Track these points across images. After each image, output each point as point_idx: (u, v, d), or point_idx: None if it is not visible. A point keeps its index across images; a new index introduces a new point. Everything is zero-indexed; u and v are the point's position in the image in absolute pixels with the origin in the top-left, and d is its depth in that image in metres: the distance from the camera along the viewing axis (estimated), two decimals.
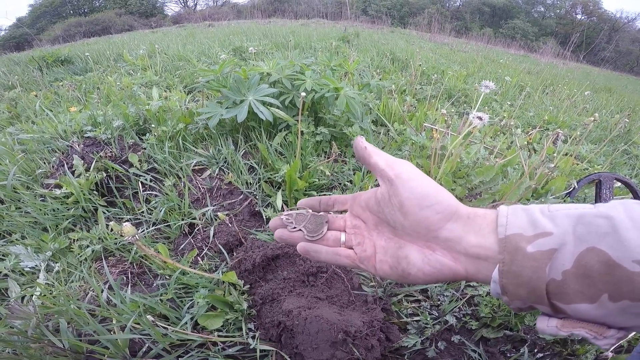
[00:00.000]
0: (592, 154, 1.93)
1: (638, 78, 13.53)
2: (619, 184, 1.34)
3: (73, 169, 1.30)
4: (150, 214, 1.21)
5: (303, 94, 1.23)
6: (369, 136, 1.62)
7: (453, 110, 2.46)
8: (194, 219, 1.17)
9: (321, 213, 0.46)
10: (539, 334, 0.80)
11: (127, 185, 1.35)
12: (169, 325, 0.79)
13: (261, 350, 0.78)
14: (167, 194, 1.24)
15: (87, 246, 1.06)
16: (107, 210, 1.23)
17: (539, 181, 1.21)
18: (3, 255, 1.02)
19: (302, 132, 1.43)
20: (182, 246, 1.10)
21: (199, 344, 0.79)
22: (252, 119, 1.49)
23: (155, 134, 1.50)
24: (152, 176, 1.36)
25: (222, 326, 0.83)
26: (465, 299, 0.90)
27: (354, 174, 1.35)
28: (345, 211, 0.46)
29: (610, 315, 0.27)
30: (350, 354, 0.72)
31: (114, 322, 0.79)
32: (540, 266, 0.29)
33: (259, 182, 1.31)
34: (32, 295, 0.87)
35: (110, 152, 1.44)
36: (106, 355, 0.73)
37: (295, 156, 1.37)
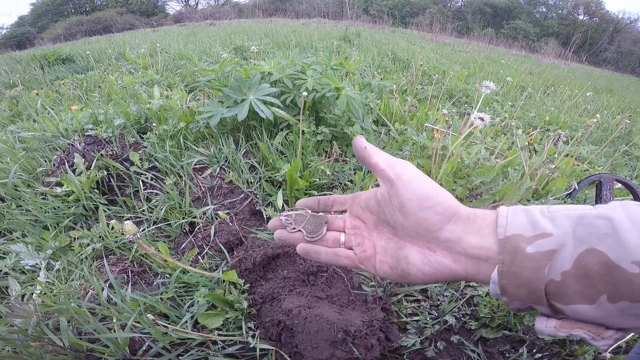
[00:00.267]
0: (593, 155, 1.93)
1: (639, 79, 13.50)
2: (619, 185, 1.34)
3: (74, 167, 1.30)
4: (151, 213, 1.22)
5: (304, 93, 1.23)
6: (370, 136, 1.62)
7: (454, 110, 2.46)
8: (195, 217, 1.17)
9: (320, 213, 0.46)
10: (537, 334, 0.80)
11: (128, 183, 1.36)
12: (169, 324, 0.79)
13: (261, 349, 0.78)
14: (168, 192, 1.24)
15: (88, 244, 1.07)
16: (108, 209, 1.23)
17: (539, 182, 1.21)
18: (3, 254, 1.02)
19: (303, 131, 1.43)
20: (182, 245, 1.11)
21: (199, 342, 0.79)
22: (253, 118, 1.49)
23: (157, 132, 1.51)
24: (153, 175, 1.36)
25: (222, 325, 0.83)
26: (464, 299, 0.90)
27: (355, 174, 1.35)
28: (345, 211, 0.46)
29: (608, 316, 0.27)
30: (349, 353, 0.72)
31: (114, 320, 0.79)
32: (539, 267, 0.29)
33: (259, 181, 1.31)
34: (32, 294, 0.87)
35: (111, 150, 1.44)
36: (106, 354, 0.73)
37: (296, 155, 1.37)
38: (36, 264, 0.99)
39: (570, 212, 0.30)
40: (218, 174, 1.37)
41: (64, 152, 1.43)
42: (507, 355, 0.82)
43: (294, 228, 0.44)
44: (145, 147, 1.49)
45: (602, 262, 0.26)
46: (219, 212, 1.16)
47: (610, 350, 0.84)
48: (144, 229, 1.16)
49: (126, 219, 1.20)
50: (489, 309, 0.85)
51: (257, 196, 1.27)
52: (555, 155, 1.56)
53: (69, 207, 1.19)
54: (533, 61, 8.47)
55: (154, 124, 1.55)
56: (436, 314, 0.88)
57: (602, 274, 0.26)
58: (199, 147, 1.49)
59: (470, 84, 3.40)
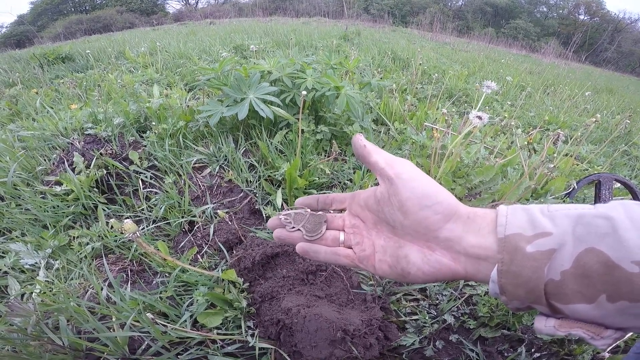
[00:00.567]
0: (592, 155, 1.93)
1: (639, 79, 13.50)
2: (618, 184, 1.34)
3: (73, 166, 1.30)
4: (150, 212, 1.22)
5: (304, 92, 1.23)
6: (370, 135, 1.62)
7: (454, 109, 2.46)
8: (194, 216, 1.17)
9: (319, 212, 0.46)
10: (536, 333, 0.81)
11: (127, 182, 1.36)
12: (168, 322, 0.79)
13: (260, 348, 0.78)
14: (167, 191, 1.24)
15: (87, 243, 1.07)
16: (107, 208, 1.23)
17: (538, 181, 1.21)
18: (3, 253, 1.02)
19: (302, 130, 1.43)
20: (182, 244, 1.11)
21: (198, 341, 0.79)
22: (253, 117, 1.49)
23: (156, 131, 1.51)
24: (152, 174, 1.36)
25: (221, 324, 0.83)
26: (463, 299, 0.90)
27: (354, 173, 1.35)
28: (344, 210, 0.46)
29: (608, 316, 0.27)
30: (348, 352, 0.72)
31: (113, 319, 0.79)
32: (539, 266, 0.29)
33: (259, 180, 1.31)
34: (31, 293, 0.87)
35: (111, 149, 1.44)
36: (105, 353, 0.73)
37: (295, 154, 1.37)
38: (35, 263, 0.99)
39: (570, 211, 0.30)
40: (217, 172, 1.37)
41: (63, 151, 1.43)
42: (505, 354, 0.82)
43: (293, 227, 0.44)
44: (145, 146, 1.49)
45: (602, 261, 0.26)
46: (218, 211, 1.16)
47: (608, 349, 0.84)
48: (144, 228, 1.16)
49: (125, 218, 1.20)
50: (488, 308, 0.85)
51: (257, 195, 1.27)
52: (555, 155, 1.56)
53: (69, 206, 1.19)
54: (533, 61, 8.47)
55: (154, 123, 1.55)
56: (435, 313, 0.88)
57: (602, 274, 0.26)
58: (198, 146, 1.49)
59: (470, 83, 3.40)
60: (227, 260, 1.01)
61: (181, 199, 1.22)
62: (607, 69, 14.73)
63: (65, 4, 26.58)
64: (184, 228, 1.17)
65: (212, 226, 1.13)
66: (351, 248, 0.43)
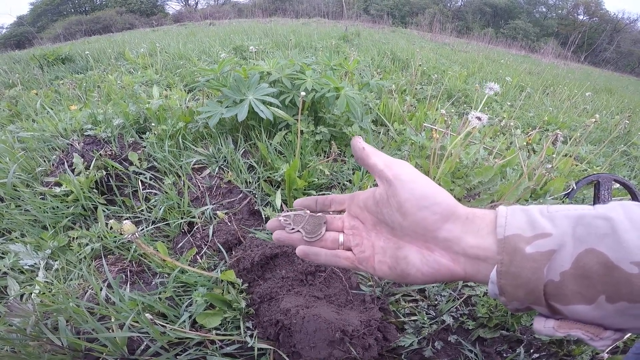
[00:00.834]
0: (591, 155, 1.93)
1: (639, 79, 13.51)
2: (617, 185, 1.34)
3: (73, 167, 1.30)
4: (149, 213, 1.22)
5: (303, 93, 1.23)
6: (369, 136, 1.62)
7: (453, 110, 2.46)
8: (193, 217, 1.17)
9: (319, 214, 0.46)
10: (535, 334, 0.81)
11: (126, 183, 1.36)
12: (167, 323, 0.79)
13: (259, 349, 0.78)
14: (166, 192, 1.24)
15: (87, 244, 1.07)
16: (107, 209, 1.23)
17: (537, 182, 1.21)
18: (2, 253, 1.02)
19: (301, 131, 1.43)
20: (181, 245, 1.11)
21: (197, 342, 0.80)
22: (252, 118, 1.49)
23: (155, 132, 1.51)
24: (151, 175, 1.36)
25: (220, 324, 0.83)
26: (462, 299, 0.90)
27: (353, 174, 1.35)
28: (343, 211, 0.46)
29: (607, 317, 0.27)
30: (347, 353, 0.72)
31: (112, 320, 0.79)
32: (538, 267, 0.29)
33: (258, 181, 1.31)
34: (31, 293, 0.87)
35: (110, 150, 1.44)
36: (104, 353, 0.74)
37: (294, 155, 1.37)
38: (35, 263, 0.99)
39: (569, 212, 0.30)
40: (217, 173, 1.37)
41: (63, 152, 1.43)
42: (504, 355, 0.82)
43: (293, 228, 0.45)
44: (144, 147, 1.49)
45: (601, 262, 0.26)
46: (217, 211, 1.16)
47: (608, 350, 0.84)
48: (143, 229, 1.16)
49: (125, 219, 1.20)
50: (487, 308, 0.85)
51: (256, 196, 1.27)
52: (554, 155, 1.57)
53: (68, 207, 1.19)
54: (532, 61, 8.48)
55: (153, 124, 1.55)
56: (434, 314, 0.89)
57: (601, 275, 0.26)
58: (197, 147, 1.49)
59: (469, 84, 3.40)
60: (226, 261, 1.01)
61: (180, 199, 1.22)
62: (606, 69, 14.75)
63: (64, 4, 26.61)
64: (183, 229, 1.17)
65: (211, 227, 1.13)
66: (351, 249, 0.43)
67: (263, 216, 1.20)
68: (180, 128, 1.53)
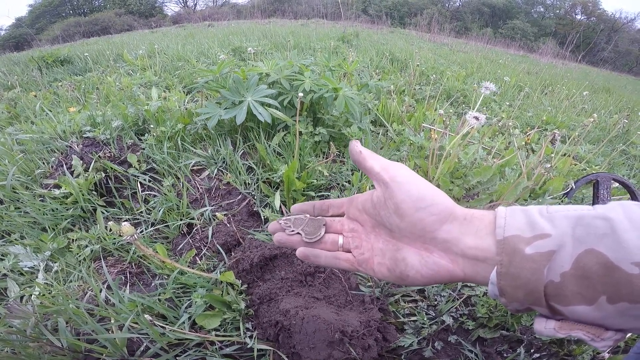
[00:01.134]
0: (590, 154, 1.94)
1: (637, 78, 13.54)
2: (616, 184, 1.35)
3: (72, 169, 1.30)
4: (148, 214, 1.22)
5: (301, 94, 1.23)
6: (368, 136, 1.62)
7: (451, 110, 2.47)
8: (193, 219, 1.17)
9: (318, 217, 0.47)
10: (535, 334, 0.81)
11: (125, 185, 1.36)
12: (167, 324, 0.79)
13: (258, 350, 0.78)
14: (165, 194, 1.24)
15: (86, 246, 1.07)
16: (106, 211, 1.23)
17: (536, 181, 1.22)
18: (2, 255, 1.02)
19: (300, 132, 1.43)
20: (180, 246, 1.11)
21: (196, 343, 0.80)
22: (251, 120, 1.49)
23: (154, 134, 1.51)
24: (150, 176, 1.36)
25: (219, 325, 0.83)
26: (462, 299, 0.90)
27: (352, 174, 1.35)
28: (341, 215, 0.47)
29: (608, 317, 0.27)
30: (347, 353, 0.72)
31: (112, 321, 0.79)
32: (538, 268, 0.29)
33: (257, 183, 1.32)
34: (31, 295, 0.87)
35: (109, 152, 1.44)
36: (104, 354, 0.74)
37: (293, 156, 1.37)
38: (34, 265, 0.99)
39: (569, 212, 0.30)
40: (216, 175, 1.37)
41: (62, 154, 1.43)
42: (504, 355, 0.82)
43: (293, 230, 0.45)
44: (143, 149, 1.49)
45: (601, 262, 0.26)
46: (216, 213, 1.16)
47: (608, 350, 0.84)
48: (142, 231, 1.16)
49: (124, 221, 1.20)
50: (487, 309, 0.85)
51: (255, 197, 1.27)
52: (553, 155, 1.57)
53: (67, 209, 1.19)
54: (531, 61, 8.50)
55: (152, 126, 1.55)
56: (433, 314, 0.89)
57: (602, 275, 0.26)
58: (196, 148, 1.49)
59: (468, 84, 3.41)
60: (225, 262, 1.01)
61: (179, 201, 1.22)
62: (604, 69, 14.77)
63: (63, 6, 26.61)
64: (183, 230, 1.17)
65: (210, 228, 1.13)
66: (350, 251, 0.43)
67: (262, 217, 1.20)
68: (179, 130, 1.53)
